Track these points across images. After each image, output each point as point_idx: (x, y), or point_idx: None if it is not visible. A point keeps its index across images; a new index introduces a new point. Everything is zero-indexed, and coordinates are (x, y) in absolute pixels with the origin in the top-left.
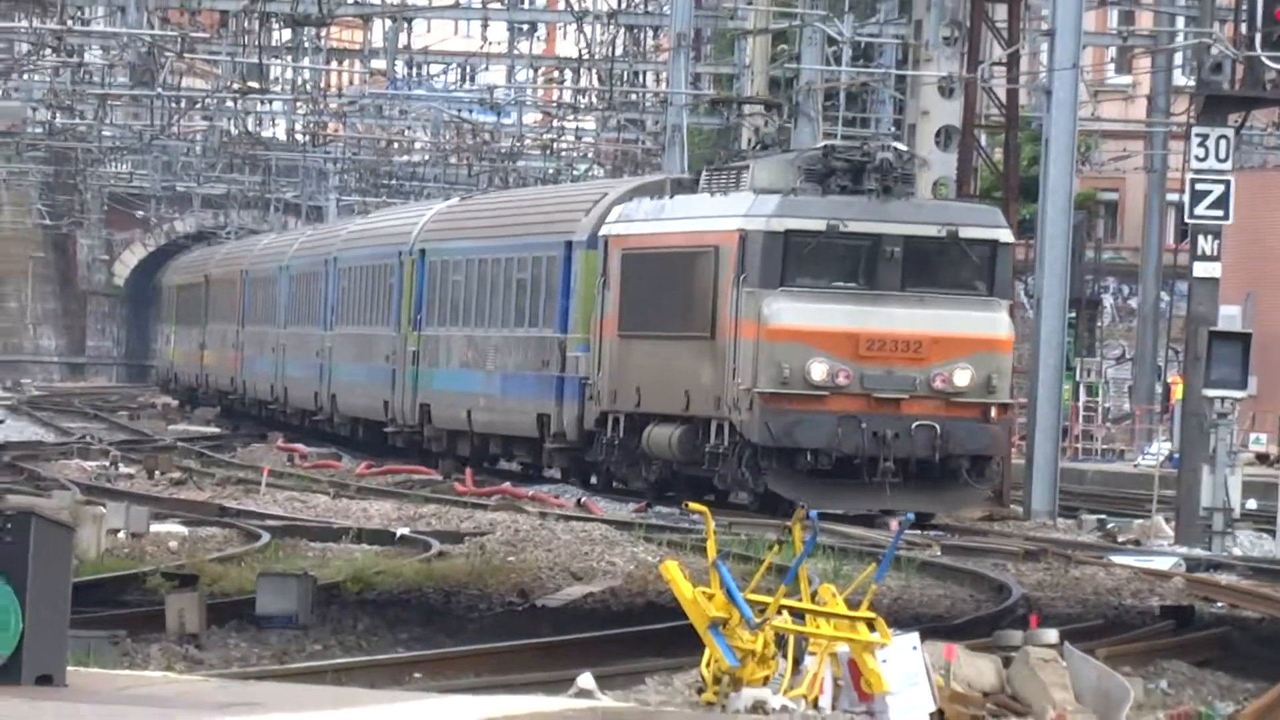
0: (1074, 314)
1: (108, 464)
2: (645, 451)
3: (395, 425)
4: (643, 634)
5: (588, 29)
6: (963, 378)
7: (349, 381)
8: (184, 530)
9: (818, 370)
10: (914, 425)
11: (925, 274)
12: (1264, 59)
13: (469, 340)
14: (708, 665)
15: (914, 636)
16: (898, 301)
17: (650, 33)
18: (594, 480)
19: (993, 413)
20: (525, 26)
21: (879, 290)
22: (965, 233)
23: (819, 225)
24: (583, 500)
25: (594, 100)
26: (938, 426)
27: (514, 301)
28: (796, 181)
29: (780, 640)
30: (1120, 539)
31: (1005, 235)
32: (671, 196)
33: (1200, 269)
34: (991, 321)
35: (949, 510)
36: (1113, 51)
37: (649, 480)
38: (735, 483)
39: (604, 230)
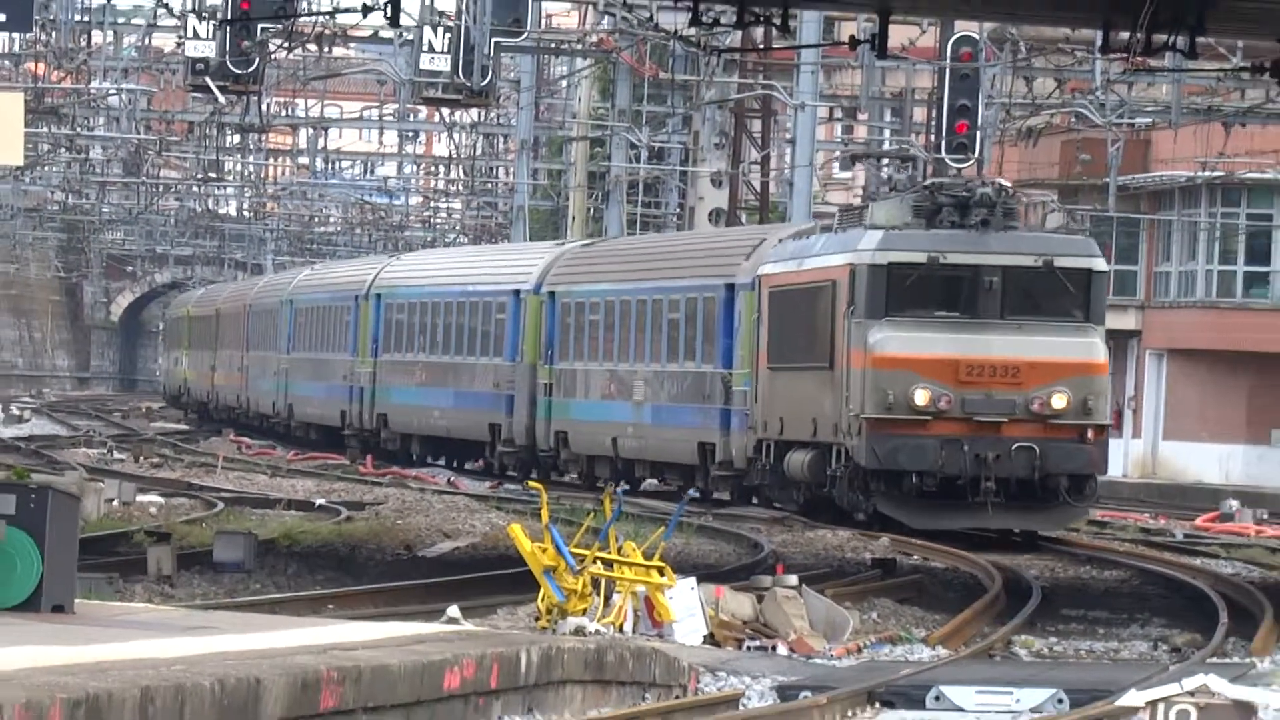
0: None
1: (105, 451)
2: (787, 475)
3: (511, 447)
4: (495, 577)
5: (456, 136)
6: (1059, 400)
7: (410, 404)
8: (161, 500)
9: (921, 396)
10: (1014, 447)
11: (1023, 302)
12: (948, 160)
13: (611, 374)
14: (542, 600)
15: (692, 580)
16: (996, 329)
17: (501, 139)
18: (755, 500)
19: (1089, 434)
20: (410, 134)
21: (978, 319)
22: (1061, 262)
23: (920, 258)
24: (451, 480)
25: (460, 188)
26: (1036, 448)
27: (666, 338)
28: (908, 218)
29: (595, 582)
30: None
31: (1099, 264)
32: (809, 237)
33: None
34: (1087, 346)
35: (1050, 529)
36: (837, 153)
37: (797, 502)
38: (851, 504)
39: (758, 271)
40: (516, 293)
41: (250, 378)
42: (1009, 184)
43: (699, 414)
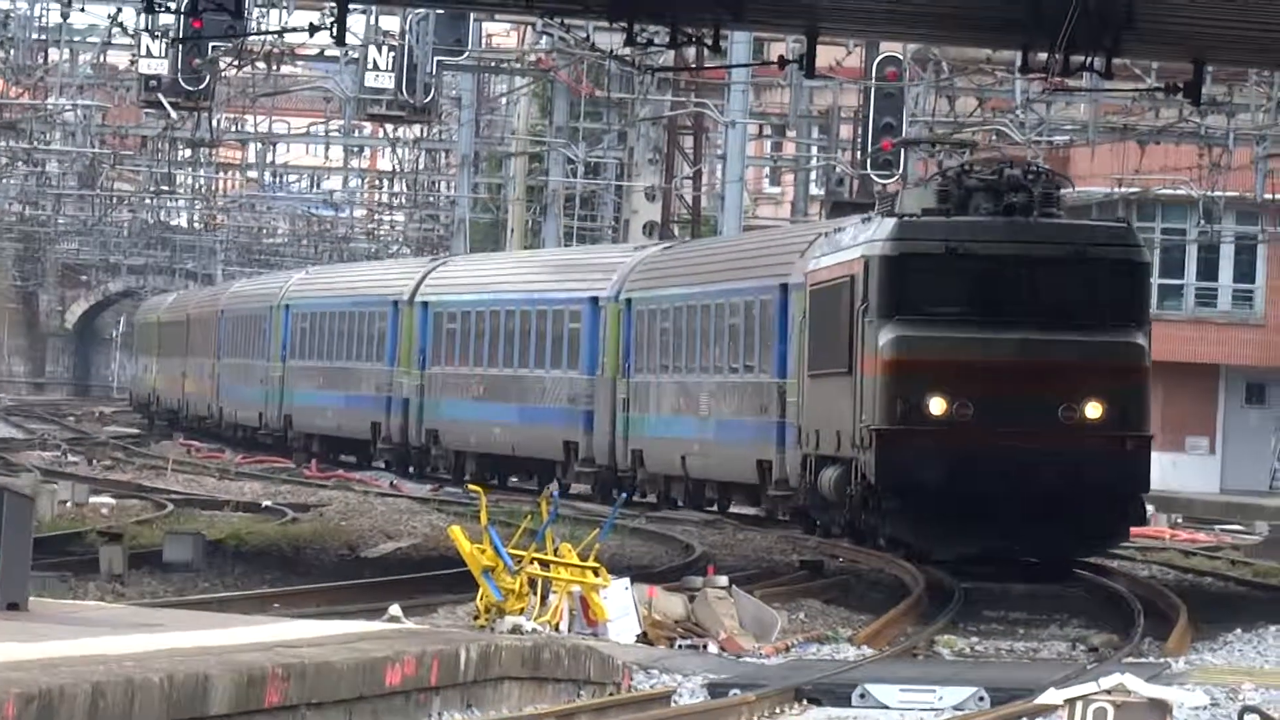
0: None
1: (59, 454)
2: (820, 493)
3: (590, 466)
4: (435, 577)
5: (399, 151)
6: (1095, 409)
7: (466, 419)
8: (113, 501)
9: (937, 405)
10: (1042, 461)
11: (1053, 298)
12: (873, 176)
13: (680, 386)
14: (481, 600)
15: (626, 580)
16: (1023, 328)
17: (443, 154)
18: (817, 522)
19: (1128, 445)
20: (355, 149)
21: (1003, 317)
22: (1095, 253)
23: (937, 248)
24: (393, 482)
25: (403, 200)
26: (1069, 462)
27: (727, 346)
28: (931, 204)
29: (532, 582)
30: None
31: (1140, 255)
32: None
33: None
34: (1126, 348)
35: (1085, 553)
36: (767, 169)
37: (838, 524)
38: (866, 526)
39: (806, 268)
40: (594, 300)
41: (222, 386)
42: (1047, 166)
43: (756, 429)
